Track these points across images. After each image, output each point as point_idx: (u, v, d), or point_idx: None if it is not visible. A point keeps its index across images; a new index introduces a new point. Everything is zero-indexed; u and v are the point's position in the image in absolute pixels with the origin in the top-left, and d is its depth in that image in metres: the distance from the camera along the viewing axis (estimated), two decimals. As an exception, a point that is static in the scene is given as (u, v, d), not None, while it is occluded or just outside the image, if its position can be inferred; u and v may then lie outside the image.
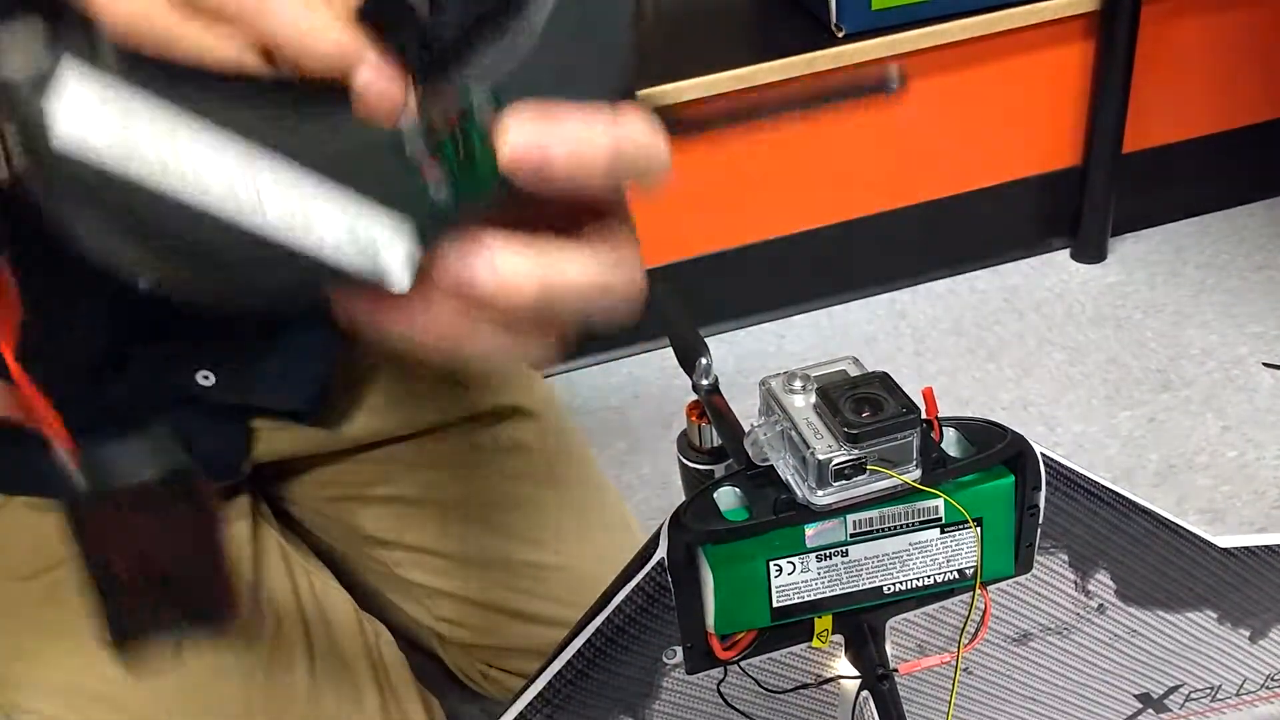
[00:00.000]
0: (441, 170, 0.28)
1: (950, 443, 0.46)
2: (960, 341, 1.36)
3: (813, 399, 0.43)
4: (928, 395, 0.45)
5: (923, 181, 1.41)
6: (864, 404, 0.42)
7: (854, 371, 0.45)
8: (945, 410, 0.45)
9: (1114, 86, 1.35)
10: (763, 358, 1.37)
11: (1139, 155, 1.45)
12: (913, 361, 1.34)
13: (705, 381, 0.53)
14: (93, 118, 0.25)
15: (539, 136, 0.27)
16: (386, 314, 0.29)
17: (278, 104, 0.26)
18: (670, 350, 0.56)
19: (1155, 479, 1.14)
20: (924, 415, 0.43)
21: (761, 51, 1.25)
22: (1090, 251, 1.48)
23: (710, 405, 0.52)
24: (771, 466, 0.43)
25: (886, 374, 0.43)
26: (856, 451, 0.41)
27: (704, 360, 0.53)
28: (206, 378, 0.61)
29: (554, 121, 0.27)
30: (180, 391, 0.61)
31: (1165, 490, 1.13)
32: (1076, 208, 1.46)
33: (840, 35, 1.24)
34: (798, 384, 0.44)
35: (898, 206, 1.41)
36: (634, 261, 0.32)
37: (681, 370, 0.56)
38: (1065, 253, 1.49)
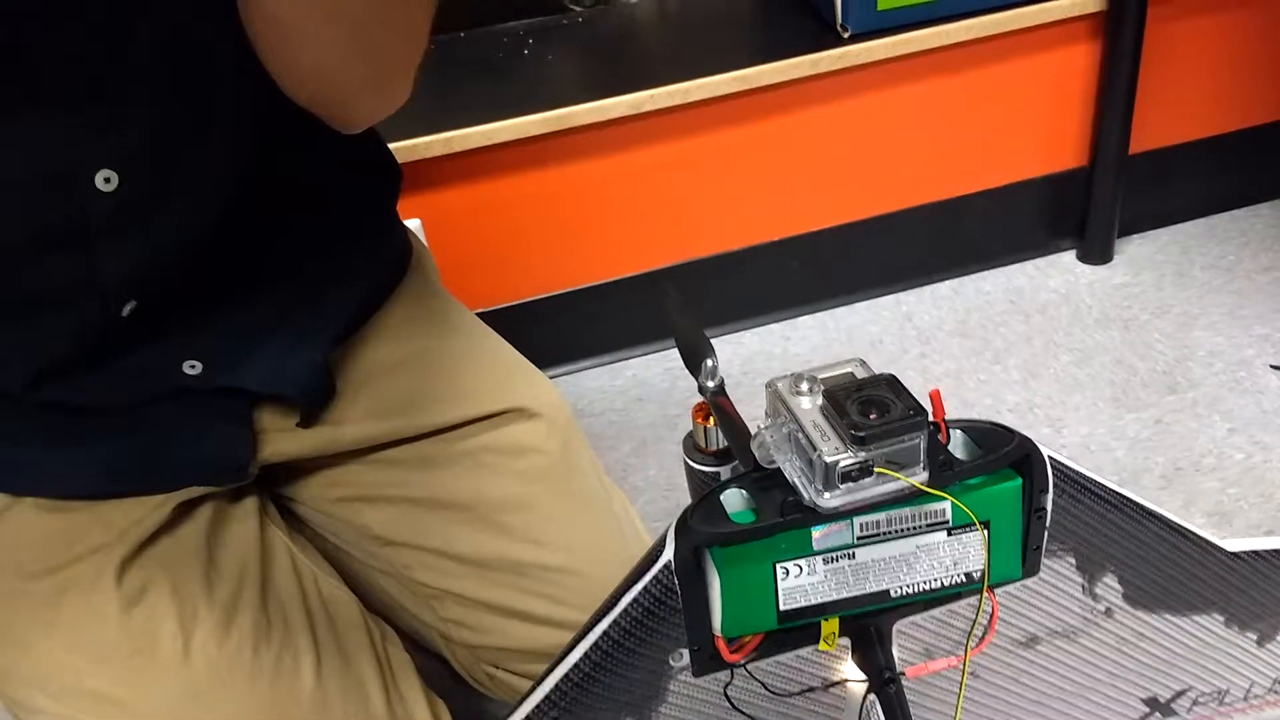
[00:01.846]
0: None
1: (957, 445, 0.46)
2: (966, 343, 1.36)
3: (820, 401, 0.43)
4: (935, 397, 0.45)
5: (928, 182, 1.40)
6: (871, 406, 0.42)
7: (861, 374, 0.44)
8: (951, 412, 0.45)
9: (1120, 87, 1.34)
10: (768, 359, 1.36)
11: (1145, 156, 1.44)
12: (919, 363, 1.33)
13: (711, 383, 0.53)
14: None
15: None
16: None
17: None
18: (674, 351, 0.56)
19: (1162, 482, 1.14)
20: (931, 418, 0.43)
21: (767, 52, 1.25)
22: (1096, 253, 1.47)
23: (716, 407, 0.52)
24: (778, 469, 0.43)
25: (894, 376, 0.43)
26: (863, 454, 0.40)
27: (710, 362, 0.53)
28: (193, 367, 0.61)
29: None
30: (170, 381, 0.61)
31: (1172, 493, 1.12)
32: (1083, 209, 1.45)
33: (846, 36, 1.24)
34: (805, 386, 0.44)
35: (903, 207, 1.41)
36: None
37: (686, 372, 0.55)
38: (1071, 254, 1.49)
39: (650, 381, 1.34)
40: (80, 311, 0.56)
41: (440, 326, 0.74)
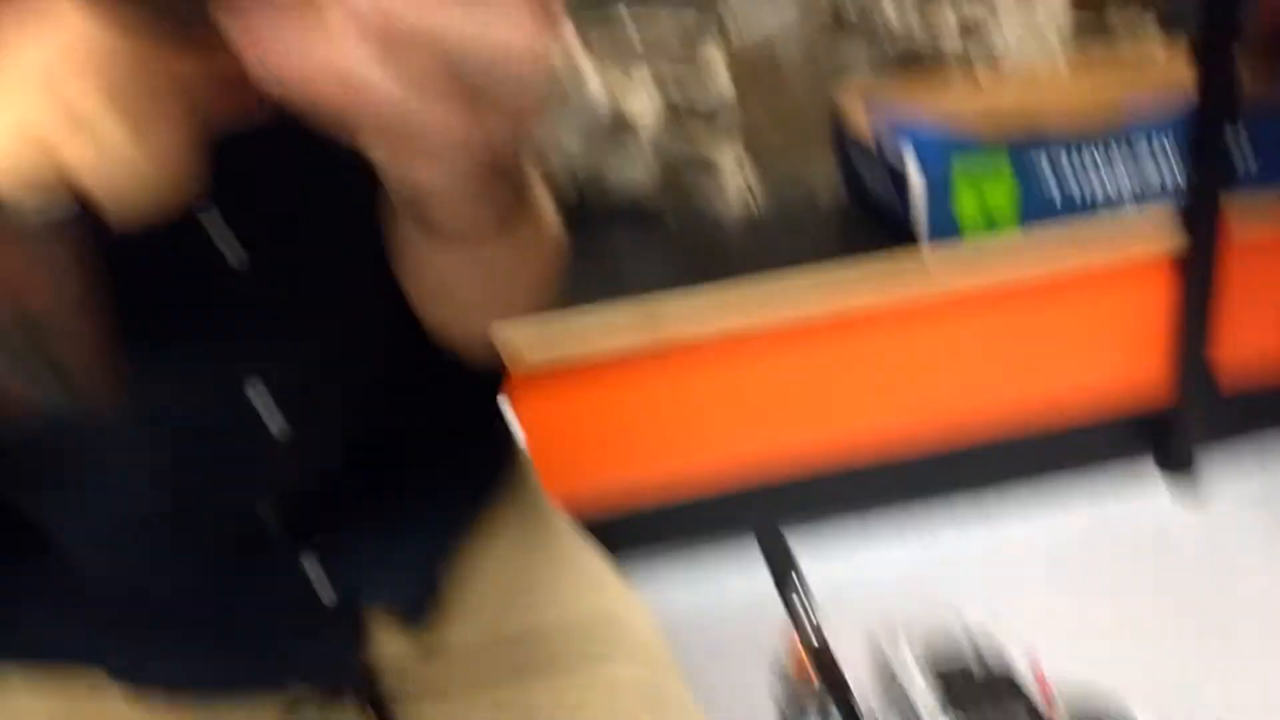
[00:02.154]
0: None
1: (1062, 721, 0.47)
2: (1053, 574, 1.32)
3: (929, 679, 0.44)
4: (1039, 675, 0.46)
5: (1015, 405, 1.40)
6: (982, 692, 0.43)
7: (968, 645, 0.46)
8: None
9: (1198, 323, 1.35)
10: (853, 573, 1.32)
11: (1232, 387, 1.42)
12: (1005, 590, 1.29)
13: (810, 633, 0.54)
14: None
15: None
16: (278, 40, 0.32)
17: None
18: (761, 561, 0.57)
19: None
20: (1039, 699, 0.44)
21: (846, 259, 1.29)
22: (1185, 484, 1.44)
23: (817, 661, 0.53)
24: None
25: (1001, 658, 0.44)
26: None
27: (808, 615, 0.55)
28: (310, 569, 0.63)
29: None
30: (284, 583, 0.63)
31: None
32: (1171, 440, 1.43)
33: (925, 250, 1.28)
34: (912, 656, 0.45)
35: (991, 430, 1.40)
36: (526, 22, 0.34)
37: (773, 584, 0.57)
38: (1159, 484, 1.45)
39: (737, 593, 1.32)
40: (225, 525, 0.59)
41: (541, 532, 0.76)
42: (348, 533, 0.65)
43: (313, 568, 0.64)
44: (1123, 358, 1.41)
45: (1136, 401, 1.43)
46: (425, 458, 0.68)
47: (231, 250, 0.52)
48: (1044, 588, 1.29)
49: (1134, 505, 1.42)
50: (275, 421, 0.56)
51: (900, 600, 1.23)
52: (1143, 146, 1.32)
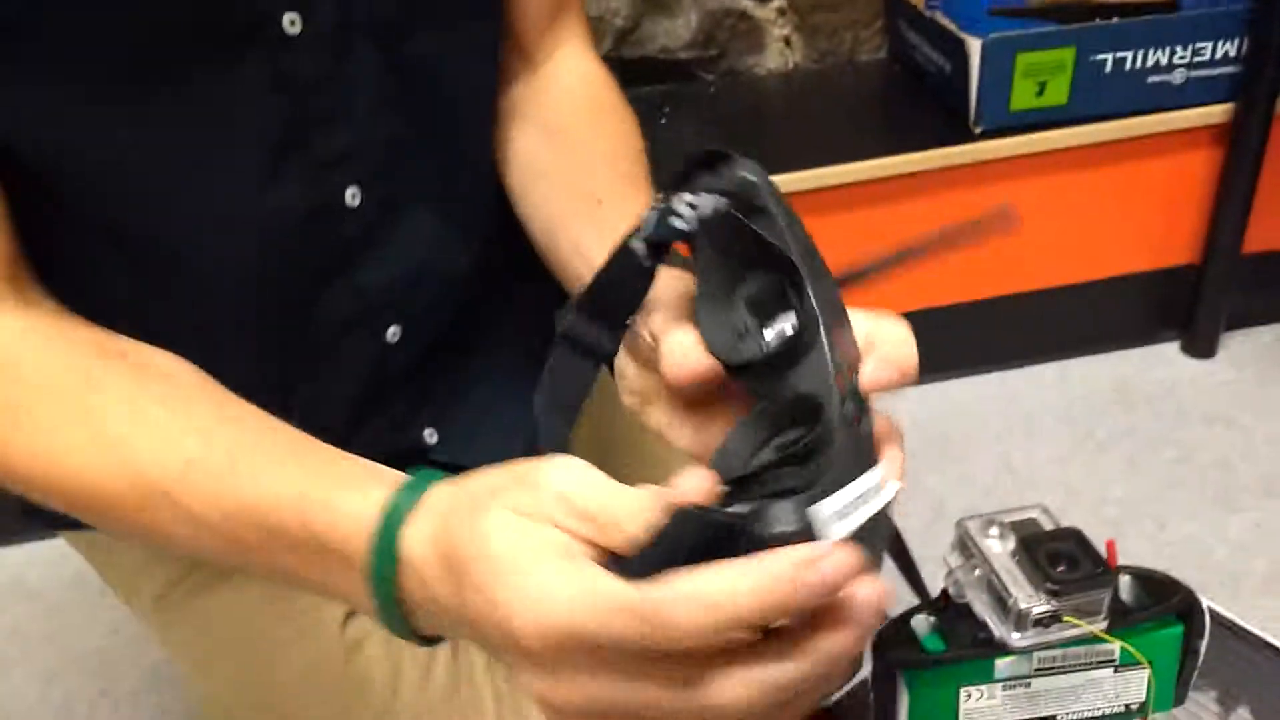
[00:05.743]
0: None
1: (1125, 589, 0.52)
2: (1070, 430, 1.40)
3: (1011, 547, 0.49)
4: (1110, 547, 0.50)
5: (1041, 269, 1.45)
6: (1060, 558, 0.47)
7: (1045, 522, 0.50)
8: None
9: (1239, 190, 1.38)
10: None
11: (1257, 256, 1.47)
12: (1023, 444, 1.37)
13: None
14: None
15: None
16: None
17: None
18: None
19: (1261, 586, 1.17)
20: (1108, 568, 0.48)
21: (898, 143, 1.31)
22: (1202, 346, 1.50)
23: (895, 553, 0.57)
24: (968, 603, 0.49)
25: (1079, 531, 0.49)
26: (1055, 603, 0.46)
27: None
28: (431, 435, 0.67)
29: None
30: (406, 448, 0.67)
31: (1272, 598, 1.15)
32: (1190, 303, 1.48)
33: (977, 132, 1.29)
34: (995, 531, 0.50)
35: (1014, 291, 1.45)
36: (849, 667, 0.39)
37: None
38: (1176, 346, 1.52)
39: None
40: (350, 345, 0.61)
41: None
42: (464, 398, 0.68)
43: (430, 434, 0.67)
44: (1156, 221, 1.44)
45: (1163, 262, 1.46)
46: (532, 321, 0.70)
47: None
48: (1062, 436, 1.36)
49: (1150, 361, 1.47)
50: (354, 196, 0.57)
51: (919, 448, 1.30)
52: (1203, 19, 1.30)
